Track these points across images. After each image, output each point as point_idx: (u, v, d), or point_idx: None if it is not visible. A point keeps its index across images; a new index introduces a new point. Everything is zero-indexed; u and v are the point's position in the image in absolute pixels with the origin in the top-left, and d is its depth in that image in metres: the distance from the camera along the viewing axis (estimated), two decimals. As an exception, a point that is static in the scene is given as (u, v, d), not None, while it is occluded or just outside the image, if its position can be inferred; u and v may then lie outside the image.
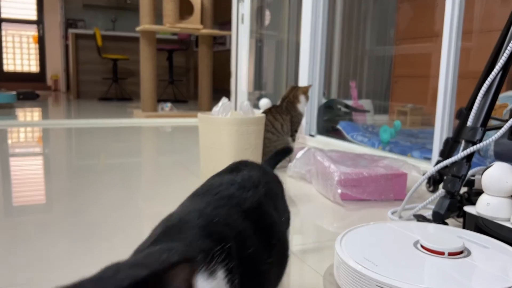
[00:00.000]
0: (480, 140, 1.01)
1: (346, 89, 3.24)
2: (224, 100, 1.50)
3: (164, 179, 1.66)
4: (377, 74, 3.50)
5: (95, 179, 1.63)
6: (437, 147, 1.78)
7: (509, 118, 1.24)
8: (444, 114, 1.76)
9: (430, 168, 1.78)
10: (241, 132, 1.41)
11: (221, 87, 7.71)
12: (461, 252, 0.77)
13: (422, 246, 0.79)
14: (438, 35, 3.01)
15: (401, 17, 3.35)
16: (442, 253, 0.77)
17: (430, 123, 2.90)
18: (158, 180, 1.66)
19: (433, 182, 1.51)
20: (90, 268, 0.91)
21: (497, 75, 1.03)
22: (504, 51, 1.02)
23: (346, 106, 2.87)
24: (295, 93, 1.92)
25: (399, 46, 3.35)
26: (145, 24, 3.71)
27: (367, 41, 3.49)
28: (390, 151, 2.15)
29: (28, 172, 1.74)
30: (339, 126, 2.57)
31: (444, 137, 1.75)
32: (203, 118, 1.45)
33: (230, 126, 1.40)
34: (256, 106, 3.49)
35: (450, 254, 0.76)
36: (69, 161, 1.96)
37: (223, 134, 1.41)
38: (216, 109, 1.48)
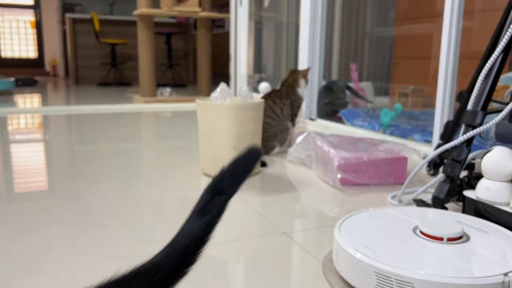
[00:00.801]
0: (480, 124, 1.00)
1: (346, 71, 3.22)
2: (222, 85, 1.48)
3: (163, 165, 1.65)
4: (378, 55, 3.47)
5: (96, 165, 1.63)
6: (437, 129, 1.77)
7: (510, 101, 1.23)
8: (445, 96, 1.75)
9: (430, 151, 1.78)
10: (240, 118, 1.41)
11: (221, 71, 7.67)
12: (460, 238, 0.77)
13: (421, 232, 0.79)
14: (440, 15, 2.98)
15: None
16: (441, 239, 0.76)
17: (432, 105, 2.89)
18: (158, 166, 1.65)
19: (434, 165, 1.51)
20: (91, 255, 0.92)
21: (497, 58, 1.02)
22: (504, 34, 1.01)
23: (348, 87, 2.85)
24: (295, 77, 1.90)
25: (400, 26, 3.32)
26: (143, 8, 3.67)
27: (367, 22, 3.46)
28: (391, 134, 2.14)
29: (29, 159, 1.74)
30: (340, 114, 2.55)
31: (445, 119, 1.75)
32: (201, 104, 1.44)
33: (229, 112, 1.39)
34: (256, 89, 3.48)
35: (449, 239, 0.76)
36: (70, 147, 1.96)
37: (222, 120, 1.40)
38: (214, 94, 1.47)
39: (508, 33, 0.99)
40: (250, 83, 3.81)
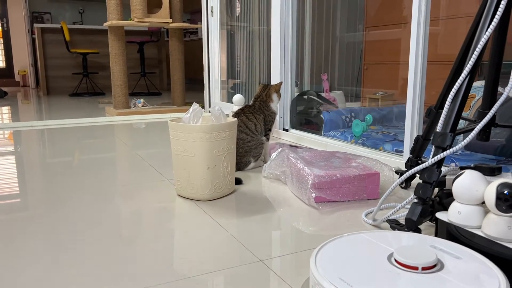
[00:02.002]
0: (450, 146, 1.02)
1: (318, 77, 3.24)
2: (194, 106, 1.47)
3: (138, 187, 1.63)
4: (348, 61, 3.51)
5: (70, 183, 1.60)
6: (408, 139, 1.80)
7: (478, 118, 1.25)
8: (415, 99, 1.77)
9: (401, 163, 1.80)
10: (214, 138, 1.40)
11: (195, 77, 7.65)
12: (434, 266, 0.78)
13: (396, 261, 0.80)
14: (407, 22, 3.03)
15: (370, 4, 3.35)
16: (416, 268, 0.77)
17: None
18: (132, 189, 1.63)
19: (405, 179, 1.52)
20: (67, 265, 0.89)
21: (465, 79, 1.04)
22: (470, 57, 1.03)
23: (319, 97, 2.87)
24: (267, 91, 1.91)
25: (369, 33, 3.37)
26: (113, 19, 3.63)
27: (337, 30, 3.49)
28: (363, 144, 2.16)
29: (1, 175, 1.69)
30: (322, 116, 2.54)
31: (416, 124, 1.77)
32: (173, 126, 1.43)
33: (202, 134, 1.38)
34: (229, 93, 3.49)
35: (423, 268, 0.77)
36: (42, 162, 1.91)
37: (195, 142, 1.39)
38: (186, 115, 1.46)
39: (473, 57, 1.01)
40: (225, 89, 3.81)
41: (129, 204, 1.43)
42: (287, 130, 2.66)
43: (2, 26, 8.16)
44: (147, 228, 1.22)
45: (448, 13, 2.65)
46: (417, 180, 1.64)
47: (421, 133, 1.50)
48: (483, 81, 1.93)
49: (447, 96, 1.30)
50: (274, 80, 2.69)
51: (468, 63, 1.04)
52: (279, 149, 1.70)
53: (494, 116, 1.26)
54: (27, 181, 1.72)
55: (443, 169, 1.15)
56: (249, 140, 1.82)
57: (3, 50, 8.27)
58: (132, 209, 1.38)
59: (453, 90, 1.04)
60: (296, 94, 2.73)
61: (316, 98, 2.84)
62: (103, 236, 1.16)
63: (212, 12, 3.61)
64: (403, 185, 1.56)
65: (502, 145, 1.79)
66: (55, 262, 1.00)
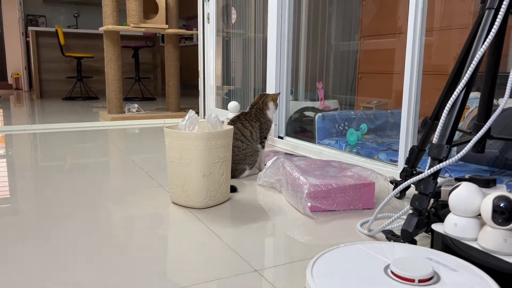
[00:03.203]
0: (446, 158, 1.02)
1: (312, 85, 3.25)
2: (190, 113, 1.47)
3: (132, 194, 1.62)
4: (342, 70, 3.53)
5: (62, 188, 1.59)
6: (403, 149, 1.80)
7: (473, 131, 1.26)
8: (410, 109, 1.77)
9: (396, 173, 1.80)
10: (210, 146, 1.39)
11: (190, 82, 7.65)
12: (431, 278, 0.78)
13: (392, 273, 0.80)
14: (401, 32, 3.06)
15: (365, 14, 3.37)
16: (412, 281, 0.77)
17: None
18: (126, 195, 1.62)
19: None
20: (58, 273, 0.88)
21: (461, 91, 1.04)
22: (467, 69, 1.03)
23: (313, 109, 2.88)
24: (264, 100, 1.91)
25: (363, 42, 3.39)
26: (108, 24, 3.62)
27: (332, 39, 3.51)
28: (357, 153, 2.16)
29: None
30: (316, 119, 2.54)
31: (410, 134, 1.78)
32: (169, 133, 1.42)
33: (198, 141, 1.37)
34: (224, 100, 3.49)
35: (420, 281, 0.77)
36: (34, 171, 1.90)
37: (191, 149, 1.38)
38: (182, 123, 1.45)
39: (470, 69, 1.02)
40: (219, 95, 3.81)
41: (122, 211, 1.42)
42: (282, 138, 2.66)
43: (-4, 28, 8.13)
44: (141, 236, 1.21)
45: (442, 24, 2.68)
46: (411, 190, 1.64)
47: (415, 143, 1.51)
48: (477, 93, 1.95)
49: (443, 108, 1.31)
50: (270, 87, 2.69)
51: (464, 75, 1.04)
52: (275, 157, 1.70)
53: (489, 128, 1.26)
54: (18, 186, 1.70)
55: (439, 180, 1.16)
56: (245, 148, 1.81)
57: (-4, 53, 8.23)
58: (125, 215, 1.38)
59: (450, 102, 1.04)
60: (295, 110, 2.74)
61: (313, 117, 2.85)
62: (96, 244, 1.15)
63: (208, 18, 3.62)
64: (398, 195, 1.56)
65: (496, 156, 1.80)
66: (46, 269, 0.99)
